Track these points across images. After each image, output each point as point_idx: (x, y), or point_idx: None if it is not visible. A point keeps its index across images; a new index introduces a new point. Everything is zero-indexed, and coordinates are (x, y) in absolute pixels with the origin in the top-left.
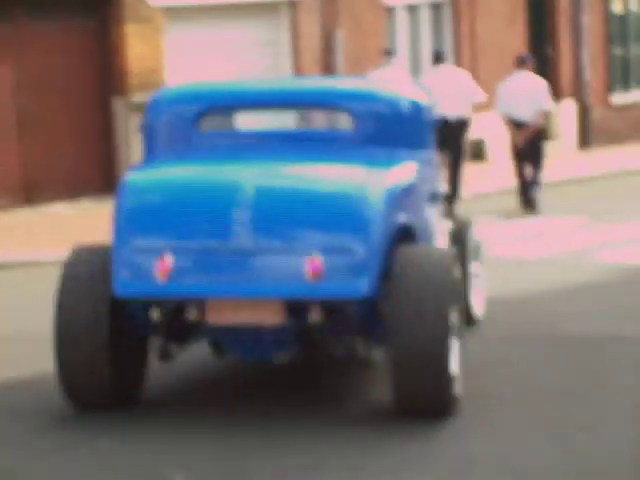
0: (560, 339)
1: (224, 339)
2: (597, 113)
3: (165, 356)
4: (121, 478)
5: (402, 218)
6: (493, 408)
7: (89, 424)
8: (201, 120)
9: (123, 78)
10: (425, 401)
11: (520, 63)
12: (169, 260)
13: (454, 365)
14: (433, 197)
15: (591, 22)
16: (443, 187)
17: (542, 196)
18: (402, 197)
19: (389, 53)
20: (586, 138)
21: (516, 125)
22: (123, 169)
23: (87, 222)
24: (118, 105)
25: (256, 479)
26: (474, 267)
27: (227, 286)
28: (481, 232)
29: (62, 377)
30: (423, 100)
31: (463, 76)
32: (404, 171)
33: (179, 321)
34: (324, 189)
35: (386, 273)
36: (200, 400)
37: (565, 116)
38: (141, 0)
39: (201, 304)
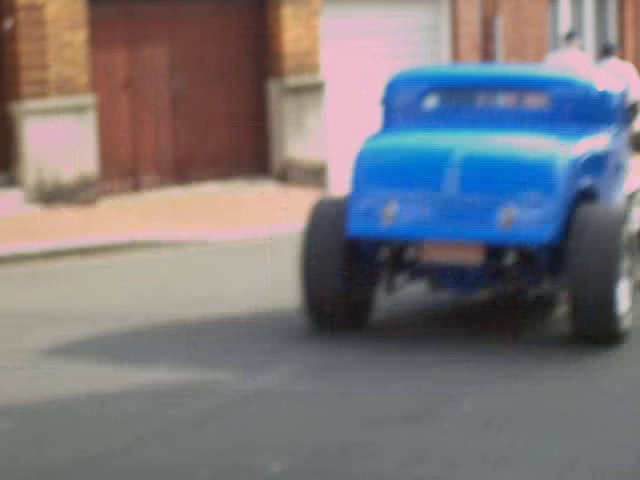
0: None
1: (436, 275)
2: None
3: (390, 288)
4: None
5: (585, 182)
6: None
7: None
8: (428, 97)
9: (278, 60)
10: (596, 332)
11: None
12: (393, 208)
13: (622, 304)
14: (619, 167)
15: None
16: (629, 160)
17: None
18: (586, 165)
19: (570, 36)
20: None
21: None
22: (276, 151)
23: (237, 203)
24: (273, 87)
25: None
26: None
27: (438, 230)
28: None
29: (305, 299)
30: (612, 84)
31: (625, 70)
32: (589, 144)
33: (401, 259)
34: (520, 155)
35: (569, 226)
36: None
37: None
38: None
39: (417, 245)
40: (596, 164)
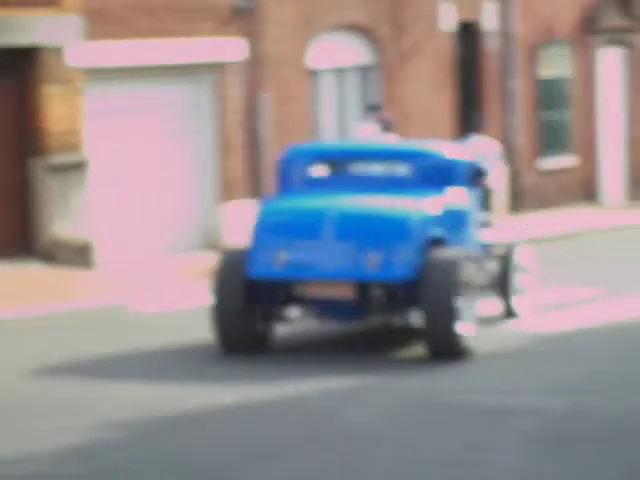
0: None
1: (317, 309)
2: (526, 178)
3: (282, 319)
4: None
5: (435, 232)
6: None
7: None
8: (314, 167)
9: (41, 139)
10: (442, 349)
11: (473, 126)
12: (284, 255)
13: (462, 327)
14: (468, 220)
15: (520, 87)
16: (481, 214)
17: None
18: (436, 218)
19: (374, 108)
20: (516, 202)
21: None
22: (40, 230)
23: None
24: (36, 166)
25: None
26: (518, 280)
27: (318, 272)
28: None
29: (215, 329)
30: (460, 154)
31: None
32: (440, 202)
33: (292, 296)
34: (381, 212)
35: (421, 266)
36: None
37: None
38: (61, 61)
39: (303, 284)
40: (446, 218)
